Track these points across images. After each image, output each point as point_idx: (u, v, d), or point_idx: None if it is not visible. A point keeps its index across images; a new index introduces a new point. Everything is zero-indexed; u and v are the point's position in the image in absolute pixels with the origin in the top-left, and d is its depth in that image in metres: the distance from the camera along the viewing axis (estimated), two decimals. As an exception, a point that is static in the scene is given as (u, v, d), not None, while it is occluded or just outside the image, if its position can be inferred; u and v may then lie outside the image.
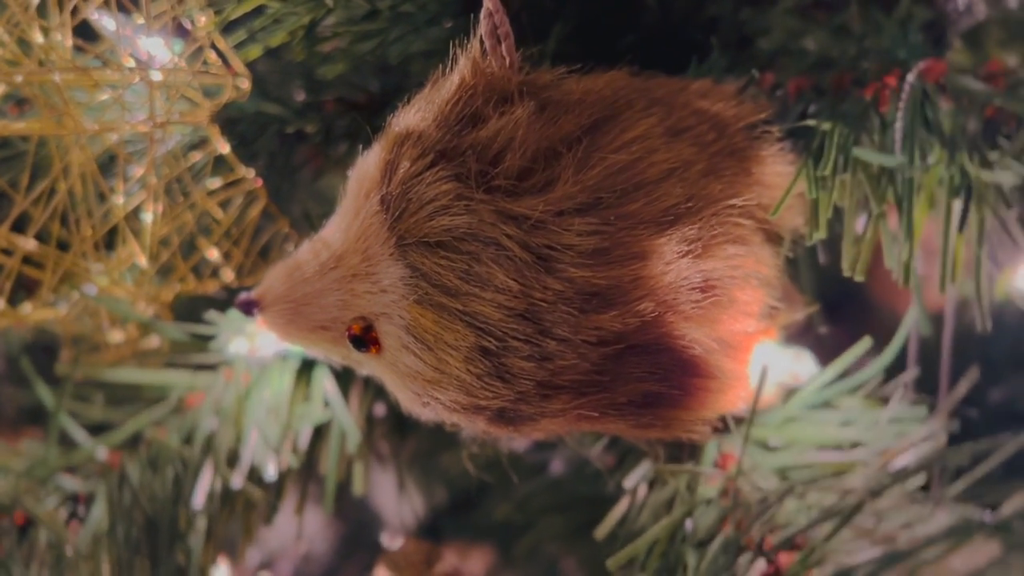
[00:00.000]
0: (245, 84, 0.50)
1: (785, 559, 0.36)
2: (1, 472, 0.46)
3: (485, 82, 0.38)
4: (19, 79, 0.44)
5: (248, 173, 0.53)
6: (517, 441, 0.67)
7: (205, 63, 0.48)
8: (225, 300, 0.53)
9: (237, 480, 0.46)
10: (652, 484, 0.44)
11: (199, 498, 0.45)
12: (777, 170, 0.41)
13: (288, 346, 0.50)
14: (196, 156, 0.52)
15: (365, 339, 0.40)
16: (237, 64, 0.49)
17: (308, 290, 0.40)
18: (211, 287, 0.56)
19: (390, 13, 0.52)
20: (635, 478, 0.44)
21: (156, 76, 0.45)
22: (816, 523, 0.36)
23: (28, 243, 0.52)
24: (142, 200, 0.52)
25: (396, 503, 0.71)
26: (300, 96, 0.60)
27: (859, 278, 0.39)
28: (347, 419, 0.47)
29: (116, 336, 0.56)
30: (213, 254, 0.55)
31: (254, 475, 0.47)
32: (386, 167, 0.38)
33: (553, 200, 0.36)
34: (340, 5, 0.51)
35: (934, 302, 0.56)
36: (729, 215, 0.38)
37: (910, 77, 0.40)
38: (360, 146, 0.54)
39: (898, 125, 0.39)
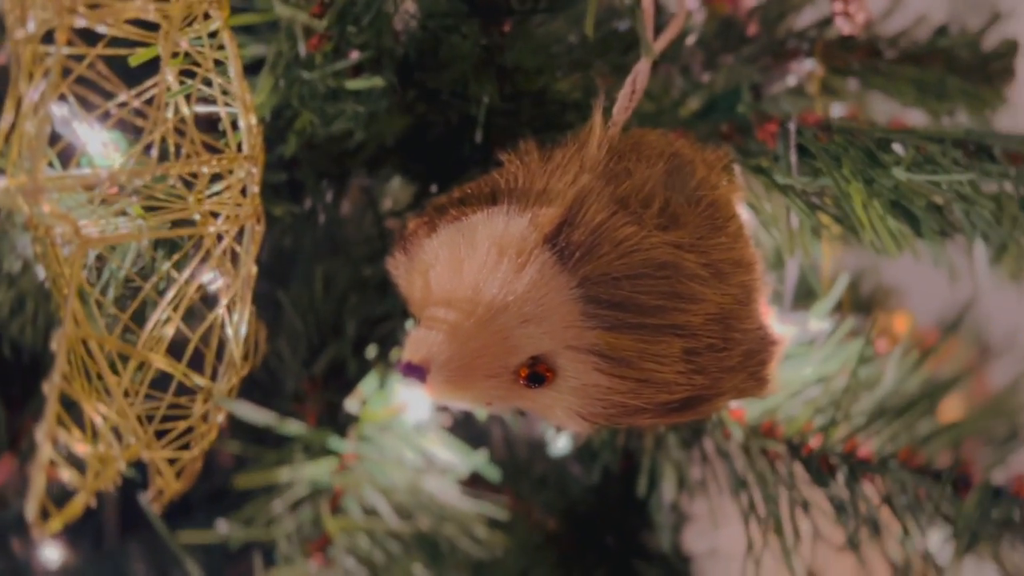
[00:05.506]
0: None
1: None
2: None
3: (611, 143, 0.47)
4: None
5: None
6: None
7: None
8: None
9: None
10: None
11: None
12: (738, 193, 0.56)
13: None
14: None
15: (540, 373, 0.45)
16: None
17: (475, 345, 0.45)
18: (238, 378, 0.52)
19: (354, 95, 0.55)
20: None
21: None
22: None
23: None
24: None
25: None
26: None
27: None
28: (487, 466, 0.51)
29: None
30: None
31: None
32: (561, 222, 0.44)
33: (691, 229, 0.47)
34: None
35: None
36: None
37: (792, 123, 0.58)
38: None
39: (793, 158, 0.57)
